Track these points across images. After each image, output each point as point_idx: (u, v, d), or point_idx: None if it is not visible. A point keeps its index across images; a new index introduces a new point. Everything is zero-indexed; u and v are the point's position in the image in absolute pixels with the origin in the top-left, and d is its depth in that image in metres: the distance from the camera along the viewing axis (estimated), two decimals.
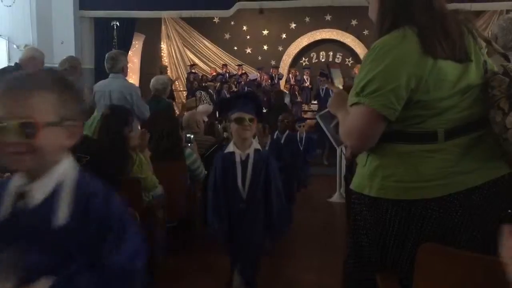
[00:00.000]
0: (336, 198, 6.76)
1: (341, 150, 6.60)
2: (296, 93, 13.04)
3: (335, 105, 1.76)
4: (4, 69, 5.30)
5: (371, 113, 1.50)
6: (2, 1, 10.09)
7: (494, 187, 1.52)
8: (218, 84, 12.69)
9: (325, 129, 5.13)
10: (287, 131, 5.45)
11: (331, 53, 14.85)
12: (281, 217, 2.86)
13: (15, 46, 9.78)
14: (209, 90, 12.74)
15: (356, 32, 14.29)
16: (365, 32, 14.02)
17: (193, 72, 13.35)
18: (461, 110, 1.54)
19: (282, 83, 13.91)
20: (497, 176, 1.53)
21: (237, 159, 2.82)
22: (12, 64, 5.36)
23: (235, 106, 2.82)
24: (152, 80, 5.82)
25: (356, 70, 9.41)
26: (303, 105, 13.15)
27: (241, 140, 2.82)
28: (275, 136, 5.28)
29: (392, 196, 1.56)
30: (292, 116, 6.11)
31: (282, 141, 5.19)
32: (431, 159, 1.52)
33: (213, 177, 2.85)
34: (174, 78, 13.48)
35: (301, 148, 6.18)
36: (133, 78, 12.71)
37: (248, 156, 2.83)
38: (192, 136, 4.40)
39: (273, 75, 13.60)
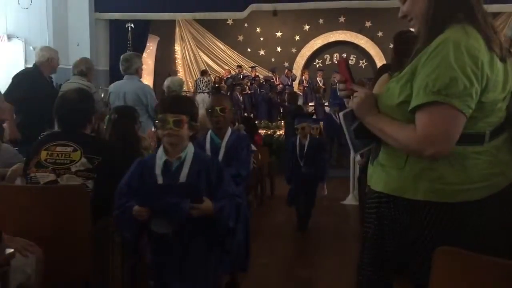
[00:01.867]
0: (349, 200, 6.74)
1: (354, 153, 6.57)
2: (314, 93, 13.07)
3: (364, 107, 1.61)
4: (24, 71, 5.36)
5: (459, 114, 1.42)
6: (19, 3, 10.22)
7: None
8: (226, 86, 12.74)
9: (346, 130, 5.12)
10: (309, 136, 5.38)
11: (344, 55, 14.79)
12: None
13: (31, 48, 9.89)
14: (222, 92, 12.79)
15: (370, 34, 14.23)
16: (379, 34, 13.96)
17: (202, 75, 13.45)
18: (503, 112, 1.52)
19: (295, 84, 13.91)
20: None
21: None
22: (30, 66, 5.42)
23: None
24: (166, 81, 5.83)
25: None
26: (312, 110, 13.13)
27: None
28: (297, 142, 5.31)
29: (440, 199, 1.50)
30: (308, 120, 5.89)
31: (306, 147, 5.21)
32: (479, 161, 1.48)
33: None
34: (183, 75, 13.62)
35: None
36: (147, 79, 12.79)
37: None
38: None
39: (287, 76, 13.62)
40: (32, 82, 4.71)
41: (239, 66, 14.11)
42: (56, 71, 5.14)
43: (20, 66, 8.71)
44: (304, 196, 5.24)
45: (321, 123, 9.40)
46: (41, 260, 2.12)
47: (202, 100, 12.34)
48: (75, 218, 2.44)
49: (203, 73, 13.21)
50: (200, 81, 13.03)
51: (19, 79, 4.80)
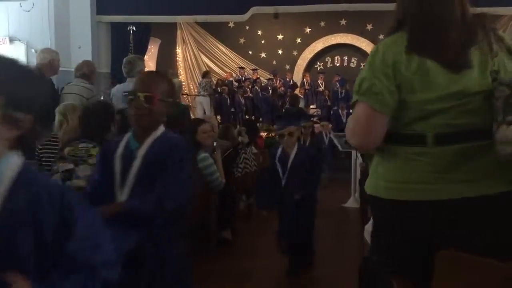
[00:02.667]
0: (350, 203, 6.73)
1: (356, 155, 6.57)
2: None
3: None
4: None
5: (368, 108, 1.57)
6: (21, 5, 10.25)
7: (491, 203, 1.49)
8: (227, 88, 12.75)
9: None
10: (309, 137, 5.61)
11: (346, 58, 14.80)
12: None
13: (33, 51, 9.90)
14: (224, 95, 12.79)
15: (371, 37, 14.22)
16: (381, 37, 13.93)
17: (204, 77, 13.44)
18: (454, 117, 1.52)
19: (298, 86, 13.91)
20: (495, 192, 1.48)
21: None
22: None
23: None
24: None
25: None
26: (317, 110, 13.15)
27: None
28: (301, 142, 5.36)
29: (384, 196, 1.59)
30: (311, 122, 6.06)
31: (308, 144, 5.34)
32: (419, 163, 1.54)
33: None
34: (184, 78, 13.60)
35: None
36: None
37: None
38: (215, 143, 4.38)
39: (288, 79, 13.63)
40: None
41: (241, 68, 14.11)
42: (57, 72, 5.13)
43: None
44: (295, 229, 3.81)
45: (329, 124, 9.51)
46: None
47: (200, 103, 12.36)
48: None
49: (205, 74, 13.21)
50: (201, 83, 13.03)
51: None
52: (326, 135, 8.62)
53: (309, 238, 3.92)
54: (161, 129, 2.00)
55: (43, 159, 3.43)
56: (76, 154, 2.93)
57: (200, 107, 12.29)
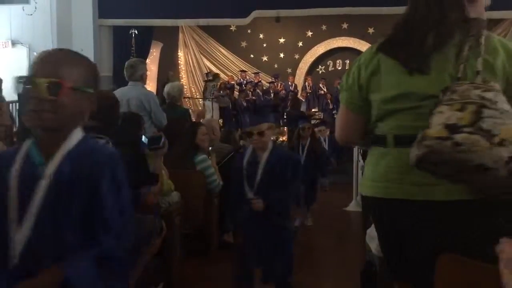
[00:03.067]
0: (352, 206, 6.71)
1: (357, 158, 6.56)
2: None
3: None
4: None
5: (345, 108, 1.73)
6: (23, 9, 10.29)
7: (443, 208, 1.50)
8: (228, 91, 12.73)
9: None
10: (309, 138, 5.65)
11: (347, 61, 14.79)
12: None
13: (35, 54, 9.95)
14: (226, 98, 12.78)
15: (373, 40, 14.21)
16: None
17: (210, 80, 13.41)
18: (412, 119, 1.53)
19: (299, 90, 13.93)
20: (461, 199, 1.47)
21: None
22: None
23: None
24: (166, 87, 5.85)
25: None
26: (318, 113, 13.14)
27: None
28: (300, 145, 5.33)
29: (365, 192, 1.69)
30: (310, 123, 6.13)
31: (306, 147, 5.32)
32: (383, 161, 1.61)
33: None
34: (186, 82, 13.55)
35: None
36: (151, 85, 12.82)
37: None
38: (211, 148, 4.40)
39: (290, 83, 13.64)
40: None
41: (243, 71, 14.12)
42: None
43: (24, 72, 8.73)
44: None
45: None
46: None
47: (208, 107, 12.30)
48: None
49: (214, 77, 13.07)
50: (208, 86, 12.88)
51: None
52: (325, 140, 8.60)
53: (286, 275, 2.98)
54: (78, 134, 1.39)
55: None
56: None
57: (209, 110, 12.20)
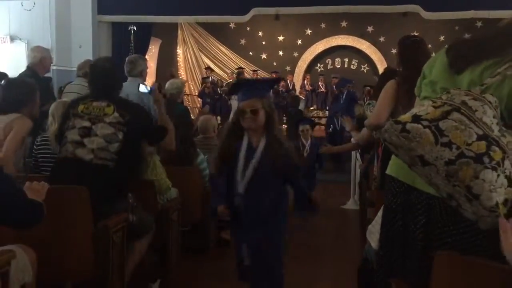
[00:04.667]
0: (350, 205, 6.73)
1: (356, 157, 6.57)
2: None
3: None
4: (21, 75, 5.28)
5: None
6: (22, 4, 10.25)
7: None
8: (227, 89, 12.69)
9: None
10: (309, 140, 5.72)
11: (346, 60, 14.81)
12: None
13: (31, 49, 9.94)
14: (224, 95, 12.76)
15: (372, 39, 14.24)
16: (381, 39, 13.98)
17: (207, 77, 13.40)
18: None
19: (297, 88, 13.91)
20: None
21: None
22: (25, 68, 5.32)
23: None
24: (166, 84, 5.85)
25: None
26: (317, 111, 13.14)
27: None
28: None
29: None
30: (310, 123, 6.14)
31: (308, 149, 5.35)
32: None
33: None
34: (185, 78, 13.49)
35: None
36: (149, 82, 12.80)
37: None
38: (206, 157, 4.42)
39: (288, 80, 13.62)
40: None
41: (240, 68, 14.08)
42: (49, 70, 5.11)
43: (22, 67, 8.71)
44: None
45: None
46: (34, 262, 2.13)
47: (233, 105, 12.11)
48: (75, 219, 2.44)
49: (239, 74, 12.80)
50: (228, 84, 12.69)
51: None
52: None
53: (277, 262, 2.65)
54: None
55: (40, 159, 3.44)
56: (90, 112, 2.84)
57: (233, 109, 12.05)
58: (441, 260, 1.35)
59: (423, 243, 1.64)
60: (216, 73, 14.60)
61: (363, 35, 14.34)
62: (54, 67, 8.39)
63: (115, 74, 3.13)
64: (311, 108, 13.41)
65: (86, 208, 2.43)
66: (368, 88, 9.89)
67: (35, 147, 3.49)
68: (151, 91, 3.36)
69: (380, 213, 2.32)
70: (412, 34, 2.97)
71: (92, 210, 2.52)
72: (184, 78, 14.25)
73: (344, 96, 10.63)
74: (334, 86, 12.16)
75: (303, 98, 13.20)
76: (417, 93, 1.87)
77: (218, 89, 12.96)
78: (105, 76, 3.02)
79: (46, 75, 5.34)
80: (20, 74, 5.34)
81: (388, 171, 1.89)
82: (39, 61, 4.86)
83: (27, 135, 3.50)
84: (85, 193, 2.43)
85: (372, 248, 2.40)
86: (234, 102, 11.97)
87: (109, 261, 2.58)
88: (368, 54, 14.38)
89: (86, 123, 2.79)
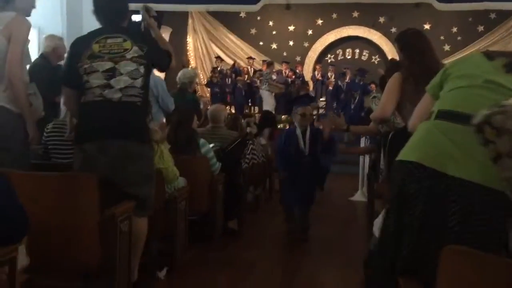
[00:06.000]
0: (358, 197, 6.71)
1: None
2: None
3: None
4: (34, 63, 5.24)
5: None
6: None
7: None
8: (242, 79, 12.70)
9: None
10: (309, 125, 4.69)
11: (357, 51, 14.68)
12: None
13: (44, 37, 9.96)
14: (238, 85, 12.74)
15: (383, 29, 14.10)
16: (393, 30, 13.83)
17: (217, 67, 13.39)
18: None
19: (307, 78, 13.83)
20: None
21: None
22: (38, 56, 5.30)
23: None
24: (179, 73, 5.86)
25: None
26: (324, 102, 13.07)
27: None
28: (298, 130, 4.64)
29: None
30: (314, 108, 5.74)
31: (309, 135, 4.52)
32: None
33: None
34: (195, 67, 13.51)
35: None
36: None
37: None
38: (213, 146, 4.41)
39: (298, 71, 13.56)
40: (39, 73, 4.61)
41: (251, 58, 14.01)
42: (63, 58, 5.09)
43: (34, 55, 8.74)
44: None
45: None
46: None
47: (263, 95, 12.04)
48: (82, 208, 2.44)
49: (269, 64, 12.70)
50: (262, 74, 12.52)
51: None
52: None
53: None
54: None
55: (50, 145, 3.45)
56: (109, 51, 2.70)
57: (265, 99, 11.95)
58: (448, 253, 1.33)
59: (457, 229, 1.60)
60: (226, 62, 14.55)
61: (374, 26, 14.17)
62: (66, 55, 8.40)
63: (123, 1, 2.97)
64: (321, 99, 13.32)
65: (92, 196, 2.43)
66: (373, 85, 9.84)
67: (45, 134, 3.48)
68: (142, 19, 3.29)
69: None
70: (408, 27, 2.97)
71: (123, 152, 2.56)
72: (194, 67, 14.23)
73: (356, 101, 10.59)
74: (344, 84, 12.12)
75: (312, 89, 13.13)
76: (430, 91, 1.90)
77: (228, 78, 12.94)
78: (112, 3, 2.88)
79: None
80: (33, 62, 5.34)
81: (404, 157, 1.82)
82: (52, 51, 4.86)
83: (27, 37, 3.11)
84: (92, 181, 2.43)
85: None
86: (265, 93, 11.97)
87: (116, 250, 2.57)
88: (379, 45, 14.24)
89: (109, 64, 2.67)
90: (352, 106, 12.23)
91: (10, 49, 2.86)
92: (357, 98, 12.10)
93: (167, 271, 3.38)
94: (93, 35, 2.83)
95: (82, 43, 2.80)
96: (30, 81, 3.10)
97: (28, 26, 2.97)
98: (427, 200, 1.69)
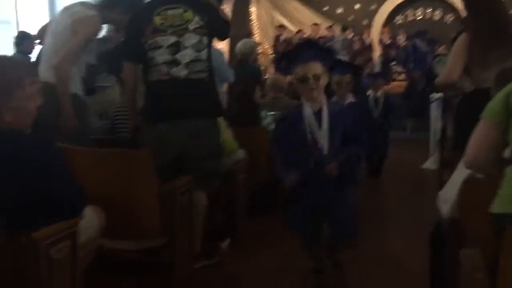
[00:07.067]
0: (428, 164, 6.43)
1: (436, 114, 6.23)
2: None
3: None
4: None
5: None
6: None
7: None
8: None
9: None
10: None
11: (429, 10, 13.82)
12: None
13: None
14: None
15: None
16: None
17: (279, 35, 13.20)
18: None
19: (375, 44, 13.29)
20: None
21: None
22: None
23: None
24: (238, 44, 5.82)
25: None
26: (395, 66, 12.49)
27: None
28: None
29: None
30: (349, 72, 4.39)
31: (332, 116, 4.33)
32: None
33: None
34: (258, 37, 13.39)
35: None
36: (223, 41, 12.82)
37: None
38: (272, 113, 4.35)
39: (365, 37, 13.06)
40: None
41: (315, 24, 13.66)
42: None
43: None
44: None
45: None
46: (102, 220, 2.20)
47: None
48: (140, 182, 2.49)
49: (344, 28, 12.66)
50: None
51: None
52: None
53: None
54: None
55: (116, 120, 3.50)
56: (171, 24, 2.63)
57: None
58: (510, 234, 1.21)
59: None
60: (289, 30, 14.29)
61: None
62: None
63: None
64: (392, 63, 12.75)
65: (150, 170, 2.46)
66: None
67: (114, 109, 3.48)
68: None
69: (453, 177, 2.15)
70: None
71: (194, 130, 2.64)
72: (258, 37, 14.12)
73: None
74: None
75: (380, 54, 12.59)
76: (489, 117, 1.66)
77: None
78: None
79: None
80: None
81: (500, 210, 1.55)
82: (41, 30, 4.40)
83: (94, 35, 3.05)
84: (147, 156, 2.46)
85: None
86: None
87: (176, 223, 2.62)
88: (454, 3, 13.32)
89: (173, 39, 2.63)
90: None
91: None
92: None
93: (230, 242, 3.42)
94: (152, 6, 2.75)
95: (142, 17, 2.75)
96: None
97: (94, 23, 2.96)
98: None
